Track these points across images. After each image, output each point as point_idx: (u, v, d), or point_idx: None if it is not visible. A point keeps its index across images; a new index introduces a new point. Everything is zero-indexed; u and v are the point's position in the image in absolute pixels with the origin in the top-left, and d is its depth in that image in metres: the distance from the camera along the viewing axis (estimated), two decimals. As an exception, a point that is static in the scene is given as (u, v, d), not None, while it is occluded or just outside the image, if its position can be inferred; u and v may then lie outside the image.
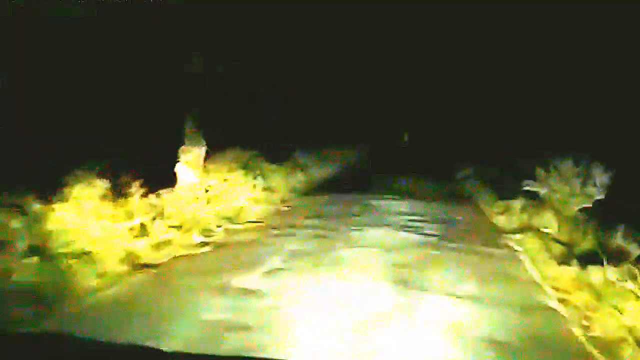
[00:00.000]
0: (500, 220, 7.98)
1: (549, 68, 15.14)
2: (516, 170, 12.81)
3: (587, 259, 5.62)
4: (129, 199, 5.43)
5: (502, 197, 9.54)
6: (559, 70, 14.53)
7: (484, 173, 13.53)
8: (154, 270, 4.54)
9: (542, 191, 8.40)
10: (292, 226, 6.67)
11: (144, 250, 4.91)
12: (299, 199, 9.07)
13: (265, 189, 8.37)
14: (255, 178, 8.16)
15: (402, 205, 8.65)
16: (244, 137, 10.07)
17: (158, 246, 5.11)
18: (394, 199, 9.40)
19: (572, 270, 5.27)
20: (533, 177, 8.97)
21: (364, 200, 8.99)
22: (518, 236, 6.86)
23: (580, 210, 7.87)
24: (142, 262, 4.71)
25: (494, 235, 6.87)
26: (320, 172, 12.79)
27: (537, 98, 16.31)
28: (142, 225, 5.24)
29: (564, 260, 5.67)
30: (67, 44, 6.82)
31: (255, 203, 7.65)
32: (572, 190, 8.17)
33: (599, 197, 7.92)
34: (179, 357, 1.78)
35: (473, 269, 5.03)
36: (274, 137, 12.06)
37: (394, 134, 27.87)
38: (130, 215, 5.29)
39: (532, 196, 8.57)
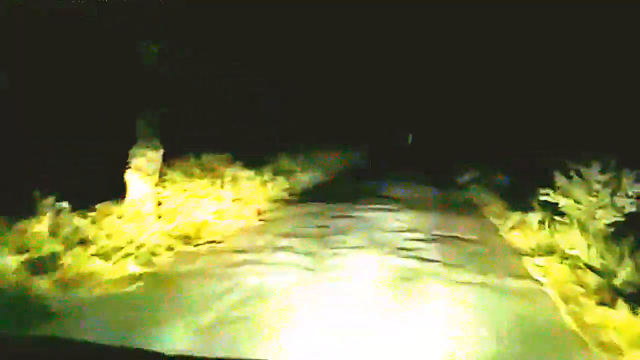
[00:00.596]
0: (515, 238, 6.70)
1: (562, 65, 14.13)
2: (527, 174, 11.65)
3: (633, 296, 4.38)
4: (40, 219, 4.17)
5: (514, 207, 8.29)
6: (574, 67, 13.53)
7: (491, 177, 12.31)
8: (46, 325, 3.27)
9: (563, 202, 7.14)
10: (260, 249, 5.39)
11: (44, 291, 3.64)
12: (278, 210, 7.78)
13: (236, 200, 7.10)
14: (223, 186, 6.88)
15: (399, 219, 7.38)
16: (224, 138, 9.07)
17: (67, 285, 3.84)
18: (390, 209, 8.13)
19: (619, 315, 4.01)
20: (549, 184, 7.79)
21: (355, 212, 7.73)
22: (539, 260, 5.58)
23: (610, 225, 6.63)
24: (36, 309, 3.45)
25: (509, 260, 5.59)
26: (310, 177, 11.54)
27: (549, 96, 15.28)
28: (52, 256, 3.98)
29: (604, 299, 4.42)
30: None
31: (222, 217, 6.38)
32: (599, 202, 6.92)
33: (631, 210, 6.69)
34: None
35: (488, 316, 3.75)
36: (274, 137, 11.83)
37: (395, 134, 27.42)
38: (39, 243, 4.03)
39: (549, 206, 7.35)
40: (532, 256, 5.77)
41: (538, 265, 5.41)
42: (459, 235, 6.49)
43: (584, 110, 12.71)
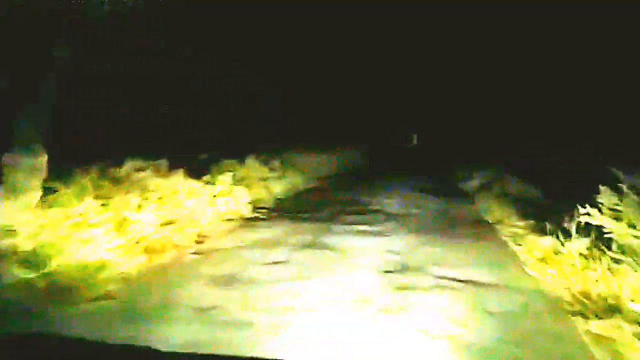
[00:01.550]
0: (550, 279, 4.77)
1: (564, 64, 13.08)
2: (541, 178, 9.97)
3: None
4: None
5: (537, 227, 6.41)
6: (575, 66, 12.48)
7: (502, 184, 10.43)
8: None
9: (611, 225, 5.21)
10: (168, 315, 3.45)
11: None
12: (228, 236, 5.83)
13: (167, 224, 5.17)
14: (140, 207, 4.94)
15: (390, 248, 5.43)
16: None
17: None
18: (380, 232, 6.22)
19: None
20: (584, 197, 5.98)
21: (332, 237, 5.80)
22: (598, 327, 3.66)
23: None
24: None
25: (554, 326, 3.66)
26: (289, 185, 9.65)
27: (553, 95, 14.08)
28: None
29: None
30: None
31: (132, 254, 4.43)
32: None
33: None
34: (175, 357, 1.72)
35: None
36: (274, 137, 11.59)
37: (395, 133, 26.39)
38: None
39: (588, 229, 5.47)
40: (585, 316, 3.84)
41: (601, 338, 3.49)
42: (472, 277, 4.55)
43: (587, 109, 12.10)
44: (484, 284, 4.43)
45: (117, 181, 5.15)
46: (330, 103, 17.42)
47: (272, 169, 9.42)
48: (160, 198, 5.33)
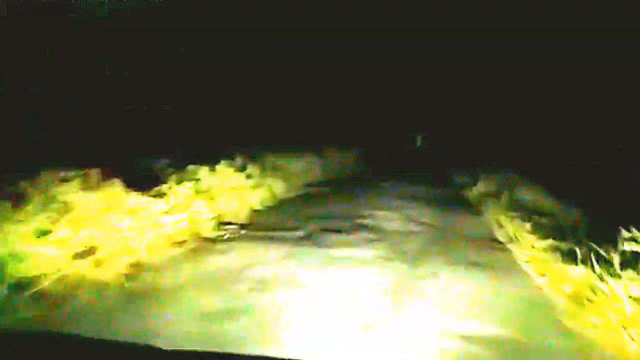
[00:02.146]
0: (591, 333, 3.54)
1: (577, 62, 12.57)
2: (552, 182, 8.57)
3: None
4: None
5: (563, 251, 5.20)
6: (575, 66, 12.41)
7: (512, 192, 9.22)
8: None
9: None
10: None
11: None
12: (175, 264, 4.57)
13: (84, 255, 3.93)
14: (47, 233, 3.69)
15: (374, 284, 4.19)
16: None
17: None
18: (364, 260, 4.97)
19: None
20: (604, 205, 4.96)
21: (304, 267, 4.58)
22: None
23: None
24: None
25: None
26: (270, 193, 8.43)
27: (572, 90, 13.29)
28: None
29: None
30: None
31: (14, 304, 3.19)
32: None
33: None
34: (178, 355, 1.68)
35: None
36: (273, 137, 11.26)
37: (396, 134, 25.70)
38: None
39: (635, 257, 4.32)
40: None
41: None
42: (486, 332, 3.31)
43: (586, 109, 11.91)
44: (504, 341, 3.20)
45: (20, 199, 3.93)
46: (331, 103, 17.02)
47: (249, 176, 8.18)
48: (81, 219, 4.10)
